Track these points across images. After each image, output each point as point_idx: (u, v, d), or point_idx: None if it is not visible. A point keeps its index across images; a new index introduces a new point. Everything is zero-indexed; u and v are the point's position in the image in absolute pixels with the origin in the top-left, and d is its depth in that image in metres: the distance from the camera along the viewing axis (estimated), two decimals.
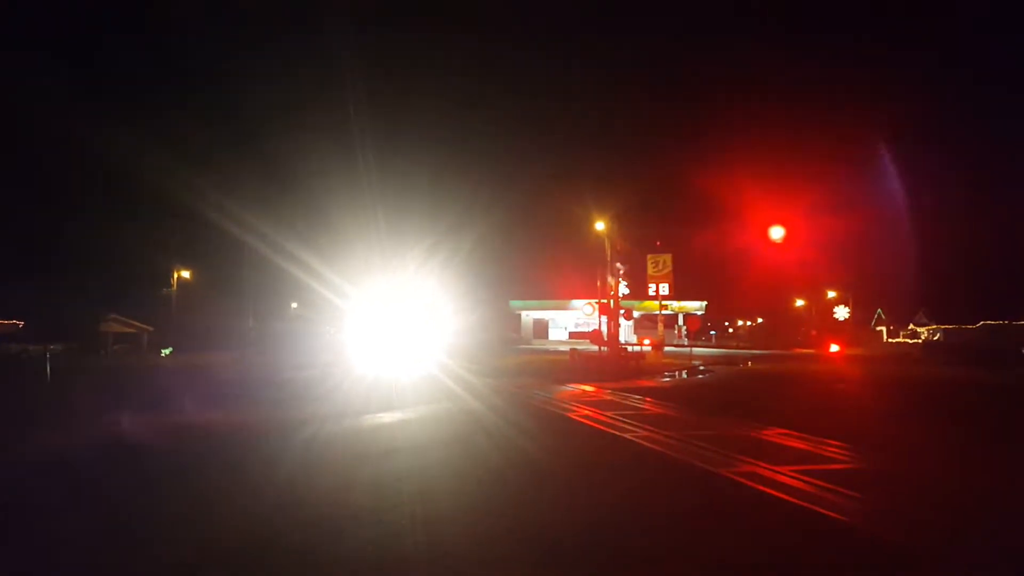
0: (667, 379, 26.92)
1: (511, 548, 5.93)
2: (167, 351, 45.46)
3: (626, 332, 50.37)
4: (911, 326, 71.65)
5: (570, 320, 64.85)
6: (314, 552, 5.85)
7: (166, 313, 50.87)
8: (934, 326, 63.81)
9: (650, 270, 44.88)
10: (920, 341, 62.59)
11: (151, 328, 51.47)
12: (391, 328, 31.52)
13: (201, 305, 50.61)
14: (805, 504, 7.09)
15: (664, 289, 43.79)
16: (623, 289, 35.60)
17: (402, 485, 8.38)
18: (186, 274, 51.87)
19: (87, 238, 50.51)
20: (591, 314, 36.93)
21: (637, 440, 11.31)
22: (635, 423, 13.08)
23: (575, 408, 15.87)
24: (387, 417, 14.69)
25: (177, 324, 49.50)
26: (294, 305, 56.75)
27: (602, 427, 12.91)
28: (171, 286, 50.90)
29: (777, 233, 29.42)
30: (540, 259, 62.28)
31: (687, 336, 50.50)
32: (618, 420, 13.59)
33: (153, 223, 52.24)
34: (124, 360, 40.78)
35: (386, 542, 6.06)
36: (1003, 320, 47.14)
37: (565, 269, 54.68)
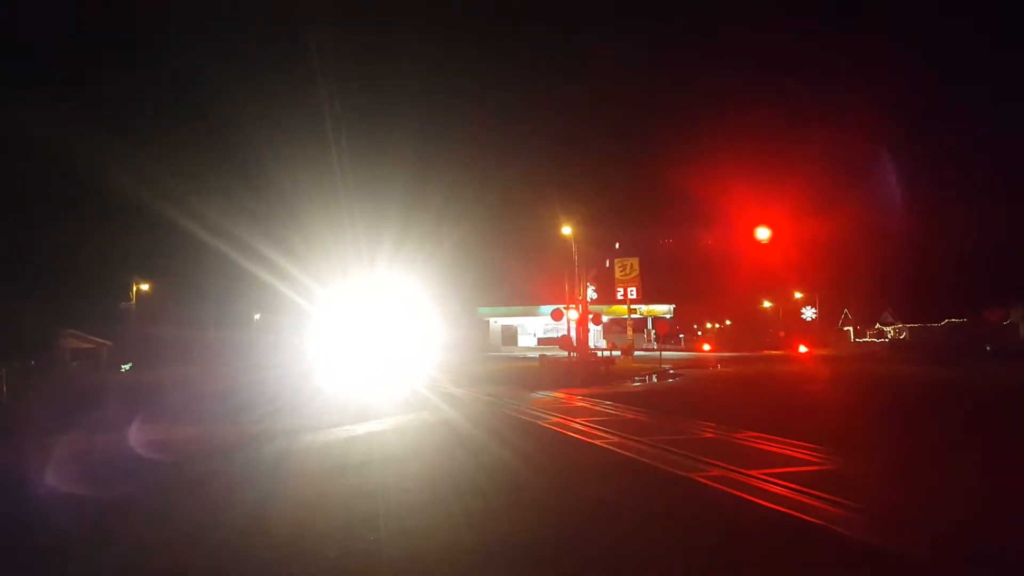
0: (637, 384, 26.81)
1: (485, 557, 5.85)
2: (127, 366, 44.38)
3: (595, 337, 50.30)
4: (877, 325, 72.73)
5: (539, 326, 64.65)
6: (287, 565, 5.74)
7: (126, 327, 49.66)
8: (900, 325, 64.83)
9: (618, 274, 44.97)
10: (886, 340, 63.55)
11: (110, 343, 50.15)
12: (362, 337, 31.10)
13: (162, 318, 49.53)
14: (777, 507, 6.99)
15: (632, 293, 43.91)
16: (591, 294, 35.59)
17: (377, 499, 8.12)
18: (145, 286, 50.68)
19: (42, 250, 49.03)
20: (560, 319, 36.76)
21: (608, 447, 11.13)
22: (606, 429, 12.89)
23: (547, 416, 15.64)
24: (362, 428, 14.43)
25: (137, 338, 48.34)
26: (257, 316, 55.89)
27: (574, 434, 12.72)
28: (131, 299, 49.71)
29: (763, 233, 29.47)
30: (507, 265, 61.96)
31: (656, 340, 50.60)
32: (590, 427, 13.39)
33: (112, 233, 50.97)
34: (83, 377, 39.71)
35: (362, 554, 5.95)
36: (966, 318, 47.99)
37: (533, 275, 54.49)
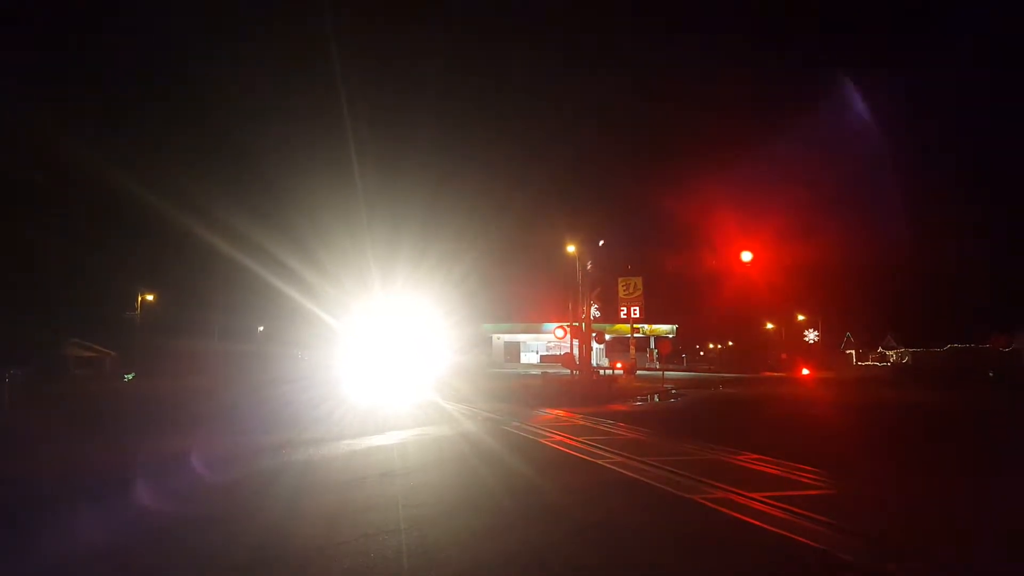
0: (639, 403, 26.81)
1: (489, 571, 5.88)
2: (129, 376, 44.50)
3: (598, 355, 50.35)
4: (880, 349, 72.63)
5: (541, 343, 64.66)
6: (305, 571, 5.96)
7: (129, 337, 49.81)
8: (902, 349, 64.76)
9: (621, 293, 44.87)
10: (889, 364, 63.47)
11: (113, 352, 50.30)
12: (376, 351, 31.30)
13: (166, 328, 49.65)
14: (780, 531, 7.01)
15: (635, 312, 43.76)
16: (595, 312, 35.56)
17: (399, 510, 8.27)
18: (150, 297, 50.84)
19: (48, 259, 49.15)
20: (563, 337, 36.81)
21: (611, 466, 11.14)
22: (609, 449, 12.91)
23: (549, 434, 15.65)
24: (379, 440, 14.73)
25: (140, 348, 48.45)
26: (260, 328, 56.03)
27: (577, 453, 12.72)
28: (135, 309, 49.87)
29: (746, 256, 29.64)
30: (511, 282, 62.06)
31: (659, 359, 50.55)
32: (592, 446, 13.40)
33: (118, 242, 51.11)
34: (85, 386, 39.82)
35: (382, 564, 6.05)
36: (970, 344, 47.99)
37: (537, 292, 54.54)
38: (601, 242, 38.06)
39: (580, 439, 14.44)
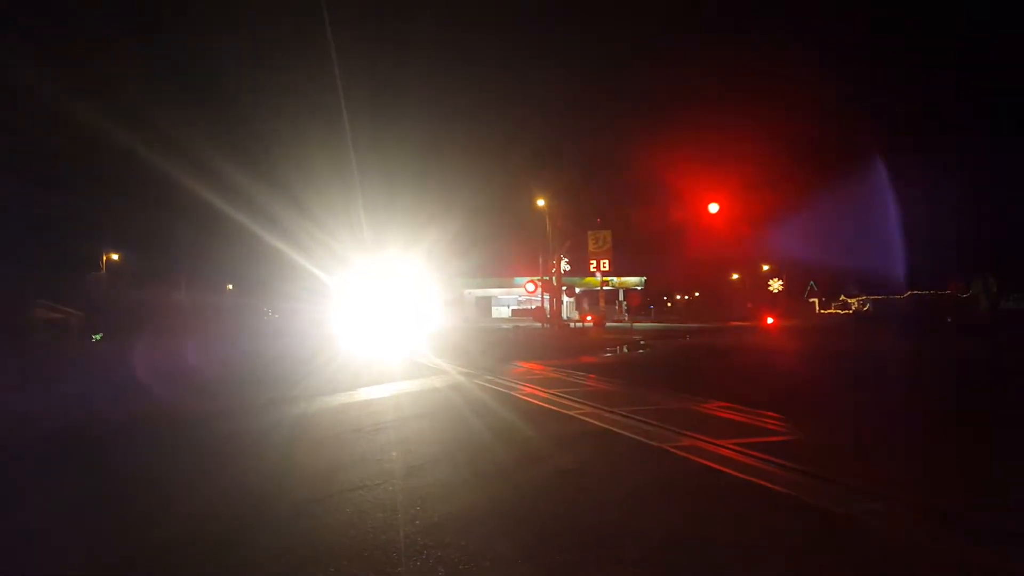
0: (609, 355, 27.31)
1: (473, 520, 6.04)
2: (97, 337, 44.03)
3: (568, 309, 50.86)
4: (842, 297, 74.28)
5: (512, 298, 64.99)
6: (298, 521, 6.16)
7: (96, 297, 49.07)
8: (863, 297, 66.31)
9: (591, 247, 45.21)
10: (851, 312, 65.02)
11: (80, 313, 49.54)
12: (350, 308, 31.44)
13: (133, 287, 48.97)
14: (746, 476, 7.32)
15: (605, 265, 44.20)
16: (565, 266, 35.90)
17: (395, 463, 8.43)
18: (116, 256, 49.97)
19: (11, 218, 47.73)
20: (534, 291, 37.15)
21: (583, 417, 11.44)
22: (580, 400, 13.24)
23: (521, 387, 15.97)
24: (357, 396, 14.88)
25: (107, 308, 47.81)
26: (229, 287, 55.57)
27: (549, 406, 12.98)
28: (101, 269, 49.04)
29: (713, 208, 30.15)
30: (481, 236, 61.95)
31: (628, 311, 51.26)
32: (564, 398, 13.73)
33: (84, 201, 49.80)
34: (53, 347, 39.36)
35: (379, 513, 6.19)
36: (929, 291, 49.31)
37: (507, 247, 54.64)
38: (598, 219, 38.26)
39: (552, 391, 14.76)
